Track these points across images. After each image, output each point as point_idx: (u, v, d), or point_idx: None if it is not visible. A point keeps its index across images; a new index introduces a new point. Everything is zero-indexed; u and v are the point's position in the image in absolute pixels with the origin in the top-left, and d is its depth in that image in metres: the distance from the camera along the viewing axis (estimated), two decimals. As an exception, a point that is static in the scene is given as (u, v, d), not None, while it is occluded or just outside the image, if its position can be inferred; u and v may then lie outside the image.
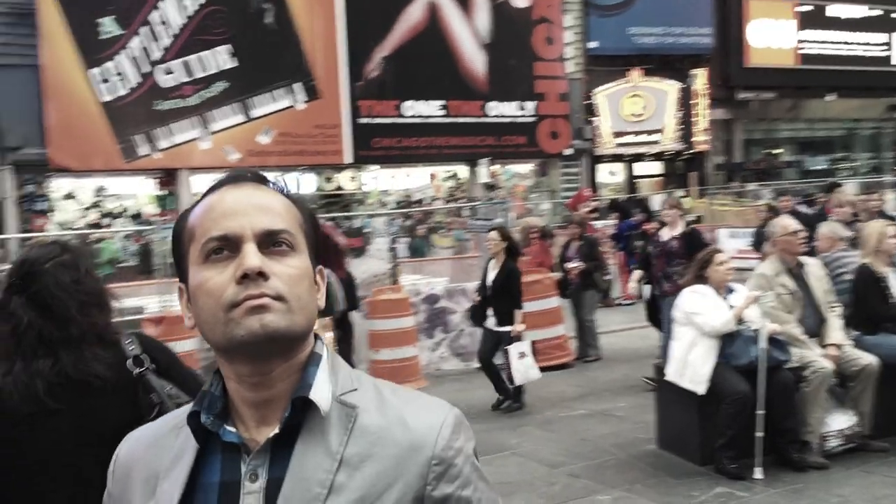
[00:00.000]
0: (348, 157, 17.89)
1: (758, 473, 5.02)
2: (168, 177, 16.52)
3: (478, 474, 1.11)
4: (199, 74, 16.34)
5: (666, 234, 7.87)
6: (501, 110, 19.50)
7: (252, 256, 1.04)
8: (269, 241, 1.06)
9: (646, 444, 6.18)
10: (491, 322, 7.10)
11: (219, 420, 1.08)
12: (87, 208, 16.34)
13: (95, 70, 15.47)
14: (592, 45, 20.77)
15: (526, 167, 21.00)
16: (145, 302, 8.42)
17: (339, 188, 18.68)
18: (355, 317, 8.66)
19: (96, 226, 15.98)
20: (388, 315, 8.18)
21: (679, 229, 7.78)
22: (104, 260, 14.73)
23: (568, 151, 20.28)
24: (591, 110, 21.02)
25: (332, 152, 17.67)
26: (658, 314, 7.57)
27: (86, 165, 15.52)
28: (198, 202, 1.11)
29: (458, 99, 18.86)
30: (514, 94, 19.53)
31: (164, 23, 16.08)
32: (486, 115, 19.26)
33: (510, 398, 7.27)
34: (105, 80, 15.54)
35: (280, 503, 1.02)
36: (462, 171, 19.97)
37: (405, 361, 8.26)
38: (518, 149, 19.76)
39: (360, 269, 8.61)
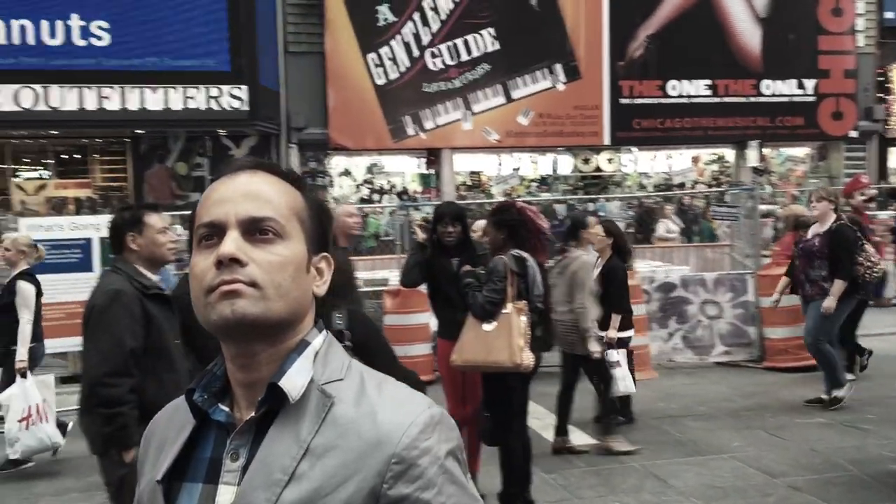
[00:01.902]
0: (607, 138, 17.63)
1: None
2: (433, 156, 17.33)
3: (447, 477, 1.07)
4: (465, 57, 16.91)
5: (812, 231, 6.99)
6: (777, 89, 18.12)
7: (228, 243, 1.07)
8: (255, 229, 1.09)
9: (890, 463, 5.57)
10: None
11: (214, 399, 1.14)
12: (360, 184, 17.63)
13: (372, 55, 16.57)
14: (889, 15, 18.61)
15: (802, 151, 19.39)
16: (392, 275, 8.96)
17: (598, 170, 18.48)
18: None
19: (367, 201, 17.20)
20: (620, 302, 8.02)
21: (827, 226, 6.86)
22: (369, 233, 15.87)
23: (853, 133, 18.40)
24: (884, 88, 18.89)
25: (590, 133, 17.51)
26: None
27: (360, 145, 16.75)
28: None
29: (728, 78, 17.81)
30: (793, 71, 18.05)
31: (434, 8, 16.82)
32: (759, 95, 18.01)
33: (612, 411, 6.56)
34: (379, 65, 16.60)
35: (243, 485, 1.06)
36: (729, 154, 18.89)
37: (636, 350, 8.05)
38: (794, 130, 18.27)
39: (592, 252, 8.48)
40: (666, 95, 17.69)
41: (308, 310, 1.16)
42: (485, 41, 16.97)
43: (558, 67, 17.27)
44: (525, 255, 4.55)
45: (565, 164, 18.25)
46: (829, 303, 6.82)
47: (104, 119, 14.49)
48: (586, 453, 6.11)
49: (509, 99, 17.11)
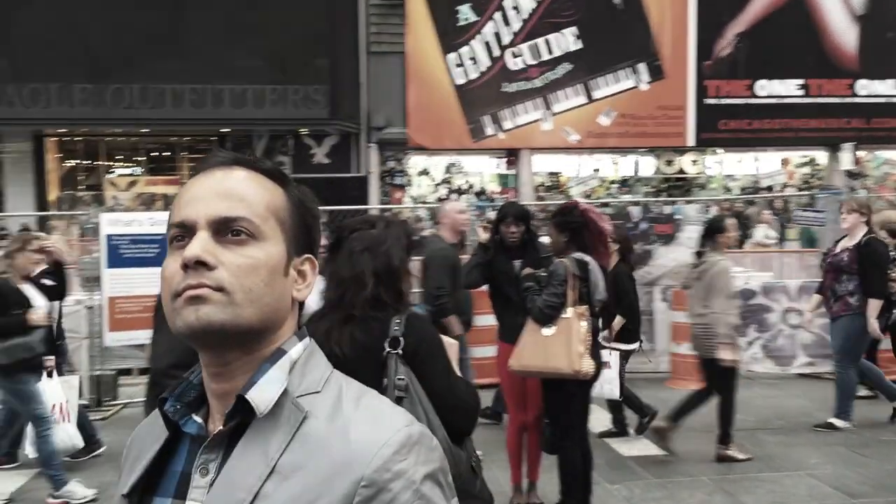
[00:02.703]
0: (691, 139, 17.17)
1: None
2: (512, 156, 17.21)
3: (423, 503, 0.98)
4: (546, 57, 16.73)
5: (842, 246, 6.56)
6: (874, 89, 17.31)
7: (194, 245, 1.01)
8: (226, 229, 1.02)
9: (982, 488, 5.22)
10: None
11: (188, 409, 1.07)
12: (438, 184, 17.64)
13: (452, 55, 16.55)
14: None
15: (901, 154, 18.49)
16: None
17: (681, 172, 18.02)
18: (658, 307, 8.39)
19: (445, 200, 17.17)
20: (694, 308, 7.76)
21: (857, 239, 6.42)
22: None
23: (956, 136, 17.45)
24: None
25: (673, 134, 17.08)
26: None
27: (438, 144, 16.75)
28: None
29: (821, 77, 17.10)
30: (891, 71, 17.21)
31: (515, 7, 16.69)
32: (854, 95, 17.25)
33: (645, 415, 6.52)
34: (459, 65, 16.57)
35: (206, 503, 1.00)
36: (821, 156, 18.14)
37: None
38: (891, 133, 17.42)
39: (669, 257, 8.28)
40: (754, 95, 17.11)
41: (286, 316, 1.09)
42: (566, 40, 16.75)
43: (642, 67, 16.90)
44: (587, 258, 4.42)
45: (647, 166, 17.85)
46: (872, 327, 6.42)
47: (192, 118, 14.91)
48: (750, 460, 5.93)
49: (590, 99, 16.84)
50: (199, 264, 1.00)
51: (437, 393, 2.41)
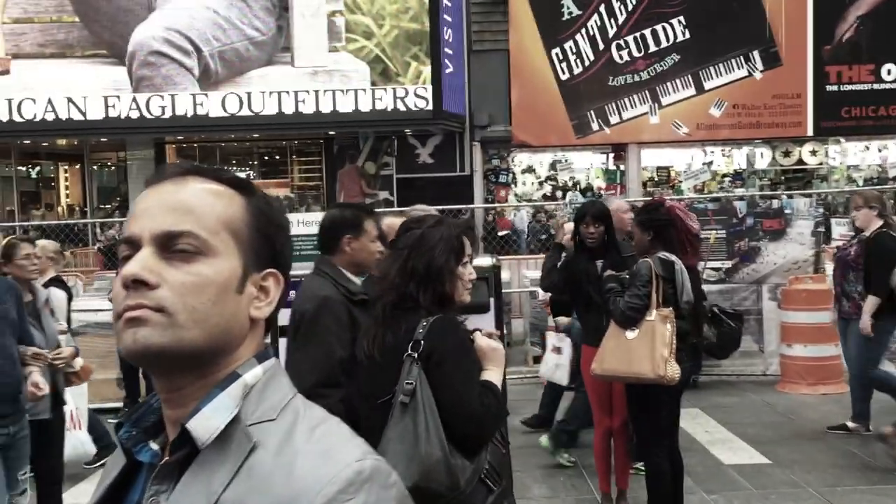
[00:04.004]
0: (810, 128, 16.30)
1: None
2: (618, 151, 16.84)
3: None
4: (653, 48, 16.26)
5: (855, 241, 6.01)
6: None
7: (131, 263, 0.96)
8: (171, 245, 0.97)
9: None
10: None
11: (145, 435, 1.02)
12: (542, 181, 17.46)
13: (556, 50, 16.33)
14: None
15: None
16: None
17: (800, 162, 17.15)
18: (767, 306, 7.99)
19: (550, 198, 16.99)
20: (805, 307, 7.37)
21: (868, 233, 5.92)
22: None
23: None
24: None
25: (791, 124, 16.27)
26: None
27: (542, 141, 16.57)
28: None
29: (955, 59, 15.94)
30: None
31: (621, -1, 16.32)
32: None
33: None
34: (563, 60, 16.33)
35: None
36: (957, 143, 16.91)
37: (822, 361, 7.39)
38: None
39: (778, 253, 7.85)
40: (880, 80, 16.08)
41: (242, 336, 1.01)
42: (674, 31, 16.22)
43: (756, 54, 16.18)
44: (673, 258, 4.22)
45: (762, 158, 17.09)
46: (864, 322, 5.91)
47: (300, 122, 15.29)
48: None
49: (700, 90, 16.25)
50: (139, 283, 0.95)
51: (443, 402, 2.33)
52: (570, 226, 4.95)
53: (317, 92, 14.98)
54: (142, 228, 0.98)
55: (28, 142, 16.62)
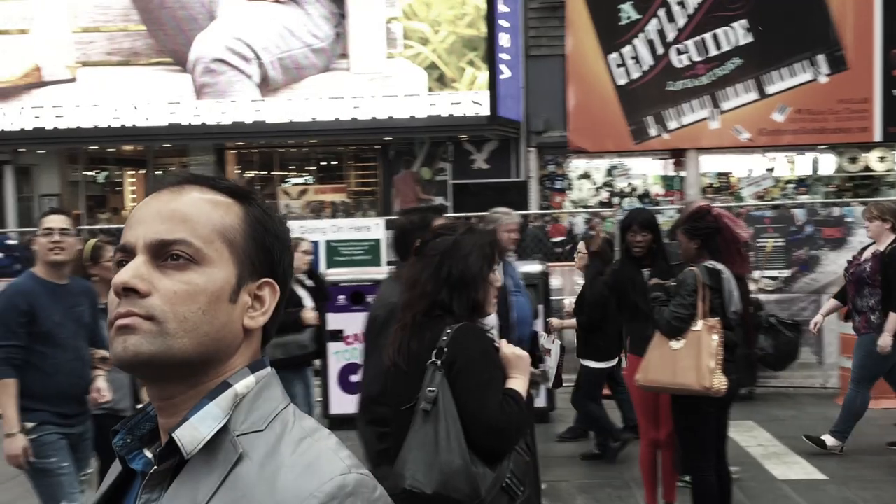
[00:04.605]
0: (878, 134, 15.77)
1: None
2: (677, 157, 16.57)
3: None
4: (713, 52, 15.95)
5: (867, 253, 5.83)
6: None
7: (123, 271, 0.97)
8: (164, 253, 0.97)
9: None
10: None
11: (140, 442, 1.03)
12: (599, 187, 17.27)
13: (613, 55, 16.15)
14: None
15: None
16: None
17: (867, 169, 16.64)
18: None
19: (607, 204, 16.79)
20: (866, 319, 7.10)
21: (883, 247, 5.70)
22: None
23: None
24: None
25: (857, 129, 15.78)
26: None
27: (599, 147, 16.39)
28: None
29: None
30: None
31: (680, 3, 16.05)
32: None
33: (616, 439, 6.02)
34: (621, 65, 16.14)
35: None
36: None
37: (884, 375, 7.10)
38: None
39: (839, 263, 7.60)
40: (953, 83, 15.51)
41: (235, 346, 1.01)
42: (736, 34, 15.89)
43: (821, 58, 15.74)
44: (720, 266, 4.13)
45: (827, 164, 16.62)
46: (884, 340, 5.66)
47: (356, 128, 15.44)
48: None
49: (763, 94, 15.87)
50: (130, 291, 0.96)
51: (464, 410, 2.32)
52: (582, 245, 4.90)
53: (373, 98, 15.11)
54: (136, 236, 0.99)
55: (95, 147, 17.12)
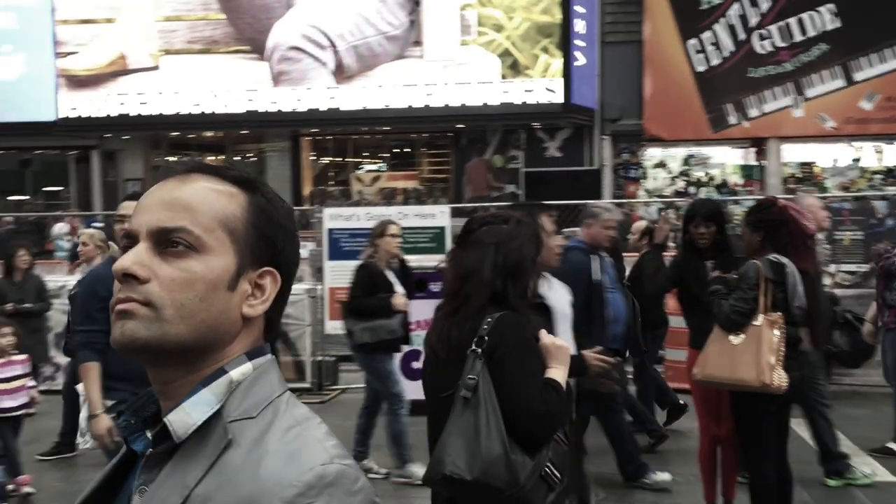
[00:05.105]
0: (972, 123, 15.03)
1: None
2: (758, 146, 16.10)
3: None
4: (798, 38, 15.41)
5: None
6: None
7: (125, 257, 0.99)
8: (166, 241, 0.99)
9: None
10: None
11: (144, 424, 1.04)
12: (675, 177, 16.91)
13: (692, 41, 15.77)
14: None
15: None
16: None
17: (960, 160, 15.85)
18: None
19: (682, 194, 16.43)
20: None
21: None
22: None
23: None
24: None
25: (951, 118, 15.06)
26: None
27: (675, 135, 16.03)
28: None
29: None
30: None
31: (764, -14, 15.56)
32: None
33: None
34: (700, 51, 15.74)
35: None
36: None
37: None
38: None
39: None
40: None
41: (233, 333, 1.02)
42: (822, 19, 15.31)
43: (913, 43, 15.05)
44: (785, 260, 3.99)
45: (919, 155, 15.89)
46: None
47: (429, 115, 15.47)
48: None
49: (850, 82, 15.26)
50: (130, 277, 0.98)
51: (505, 398, 2.33)
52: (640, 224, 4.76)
53: (446, 85, 15.11)
54: (140, 224, 1.01)
55: (176, 134, 17.62)
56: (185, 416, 0.97)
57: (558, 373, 2.45)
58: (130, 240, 1.01)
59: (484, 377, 2.35)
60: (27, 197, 20.07)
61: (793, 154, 16.33)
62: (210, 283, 0.99)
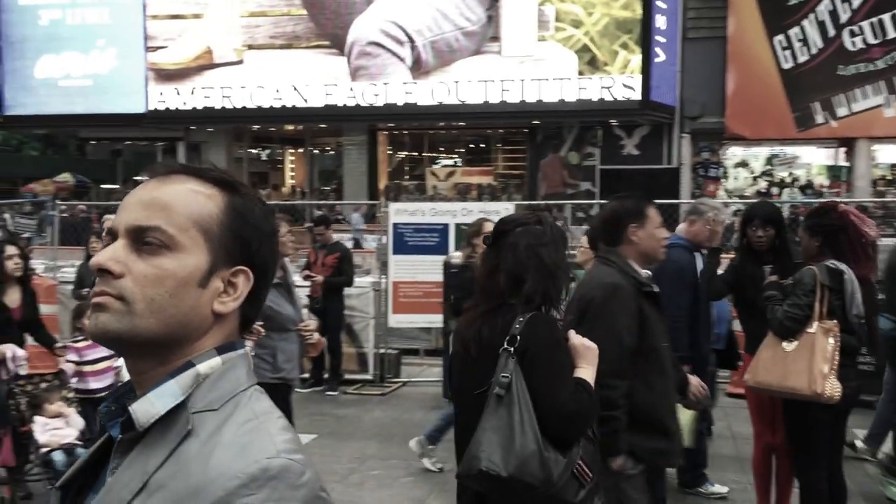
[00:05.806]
0: None
1: None
2: (846, 146, 15.51)
3: None
4: (891, 35, 14.77)
5: None
6: None
7: (101, 252, 1.04)
8: (141, 238, 1.03)
9: None
10: None
11: (124, 413, 1.06)
12: (757, 176, 16.45)
13: (779, 37, 15.29)
14: None
15: None
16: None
17: None
18: None
19: (765, 195, 15.97)
20: None
21: None
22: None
23: None
24: None
25: None
26: None
27: (758, 134, 15.59)
28: None
29: None
30: None
31: (856, -19, 14.96)
32: None
33: None
34: (787, 47, 15.26)
35: None
36: None
37: None
38: None
39: None
40: None
41: (204, 328, 1.06)
42: (919, 14, 14.64)
43: None
44: (843, 266, 3.85)
45: None
46: None
47: (505, 111, 15.44)
48: None
49: (947, 79, 14.57)
50: (105, 272, 1.03)
51: (537, 396, 2.36)
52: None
53: (522, 81, 15.05)
54: (119, 221, 1.06)
55: (258, 127, 18.07)
56: (149, 406, 1.01)
57: (587, 372, 2.48)
58: (111, 237, 1.07)
59: (517, 375, 2.39)
60: (118, 186, 20.92)
61: (884, 155, 15.70)
62: (181, 279, 1.03)
